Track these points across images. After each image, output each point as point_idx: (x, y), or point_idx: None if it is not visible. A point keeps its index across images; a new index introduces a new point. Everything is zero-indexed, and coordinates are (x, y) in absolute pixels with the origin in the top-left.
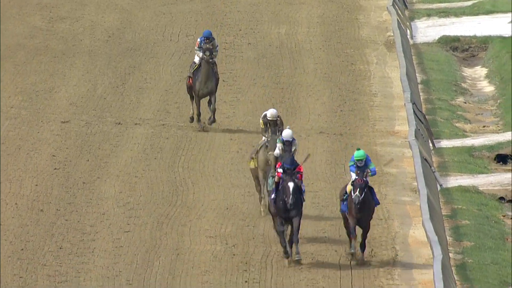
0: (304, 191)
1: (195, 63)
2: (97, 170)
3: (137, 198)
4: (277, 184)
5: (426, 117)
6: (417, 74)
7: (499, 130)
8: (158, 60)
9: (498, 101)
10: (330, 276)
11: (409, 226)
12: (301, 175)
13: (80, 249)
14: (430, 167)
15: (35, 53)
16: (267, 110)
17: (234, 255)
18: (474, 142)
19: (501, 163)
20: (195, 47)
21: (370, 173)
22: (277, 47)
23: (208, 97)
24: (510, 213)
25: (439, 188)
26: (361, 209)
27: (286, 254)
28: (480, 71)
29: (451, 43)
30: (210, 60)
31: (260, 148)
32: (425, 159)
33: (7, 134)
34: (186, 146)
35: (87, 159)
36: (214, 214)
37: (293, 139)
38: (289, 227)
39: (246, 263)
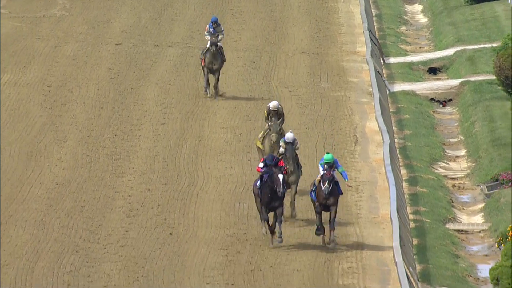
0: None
1: (206, 47)
2: (141, 79)
3: (170, 99)
4: (261, 176)
5: (379, 41)
6: (372, 10)
7: (430, 50)
8: None
9: (430, 29)
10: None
11: (366, 120)
12: (286, 171)
13: (130, 136)
14: (382, 77)
15: None
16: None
17: (240, 141)
18: (413, 59)
19: (432, 74)
20: (205, 32)
21: (342, 176)
22: None
23: (215, 74)
24: (438, 110)
25: (387, 92)
26: (329, 198)
27: (270, 232)
28: (417, 7)
29: None
30: (216, 43)
31: (266, 135)
32: (378, 71)
33: (77, 53)
34: None
35: (134, 71)
36: (225, 111)
37: (294, 140)
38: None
39: (249, 146)
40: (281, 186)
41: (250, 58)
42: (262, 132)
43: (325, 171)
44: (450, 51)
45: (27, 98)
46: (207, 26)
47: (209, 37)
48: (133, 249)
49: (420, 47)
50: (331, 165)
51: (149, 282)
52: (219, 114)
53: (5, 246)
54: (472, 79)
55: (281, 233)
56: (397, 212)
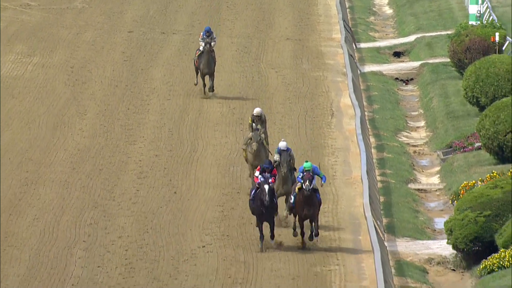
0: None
1: (200, 50)
2: (150, 61)
3: (174, 79)
4: (257, 188)
5: (352, 29)
6: (346, 2)
7: (395, 36)
8: None
9: (395, 19)
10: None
11: (340, 96)
12: (274, 179)
13: (140, 109)
14: (354, 59)
15: None
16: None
17: (234, 114)
18: (380, 44)
19: (396, 57)
20: (199, 38)
21: (322, 181)
22: None
23: (209, 76)
24: (402, 88)
25: (359, 72)
26: (308, 200)
27: (262, 238)
28: (384, 0)
29: None
30: (210, 49)
31: (248, 144)
32: (351, 55)
33: (95, 39)
34: None
35: (143, 54)
36: (221, 89)
37: (288, 148)
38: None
39: (241, 118)
40: (267, 196)
41: (242, 44)
42: (245, 140)
43: (304, 173)
44: (411, 38)
45: (53, 78)
46: (201, 33)
47: (203, 43)
48: (143, 206)
49: (386, 34)
50: (310, 171)
51: (157, 234)
52: (216, 91)
53: (35, 202)
54: (430, 61)
55: (273, 236)
56: (367, 174)
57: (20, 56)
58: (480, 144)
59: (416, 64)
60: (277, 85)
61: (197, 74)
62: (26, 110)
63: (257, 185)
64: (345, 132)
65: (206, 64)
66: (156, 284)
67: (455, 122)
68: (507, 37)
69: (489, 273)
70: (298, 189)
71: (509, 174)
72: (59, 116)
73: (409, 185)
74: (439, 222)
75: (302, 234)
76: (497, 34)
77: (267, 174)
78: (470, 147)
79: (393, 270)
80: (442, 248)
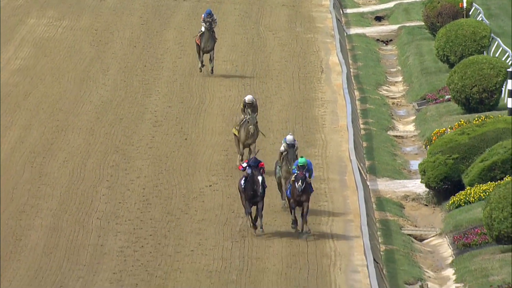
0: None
1: (201, 31)
2: (163, 24)
3: (185, 40)
4: (246, 177)
5: None
6: None
7: (377, 3)
8: None
9: None
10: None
11: (329, 55)
12: (263, 170)
13: (155, 66)
14: (341, 23)
15: None
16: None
17: (237, 70)
18: (364, 10)
19: (377, 21)
20: (201, 20)
21: (310, 177)
22: None
23: (209, 54)
24: (383, 48)
25: (345, 34)
26: (302, 195)
27: (253, 225)
28: None
29: None
30: (211, 28)
31: (242, 124)
32: (338, 19)
33: (116, 6)
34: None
35: (158, 19)
36: (226, 49)
37: (294, 140)
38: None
39: (243, 75)
40: (260, 187)
41: (243, 9)
42: (238, 122)
43: (298, 171)
44: (391, 4)
45: (80, 39)
46: (203, 15)
47: (204, 24)
48: (158, 150)
49: (369, 1)
50: (304, 167)
51: (170, 174)
52: (221, 50)
53: (65, 147)
54: (407, 24)
55: (262, 225)
56: (352, 123)
57: (51, 20)
58: (449, 96)
59: (395, 27)
60: (274, 46)
61: (198, 54)
62: (56, 66)
63: (246, 174)
64: (333, 86)
65: (207, 41)
66: (169, 217)
67: (428, 77)
68: (473, 3)
69: (456, 207)
70: (293, 181)
71: (475, 122)
72: (85, 72)
73: (388, 132)
74: (414, 164)
75: (295, 222)
76: (464, 0)
77: (256, 168)
78: (441, 99)
79: (374, 206)
80: (417, 186)
